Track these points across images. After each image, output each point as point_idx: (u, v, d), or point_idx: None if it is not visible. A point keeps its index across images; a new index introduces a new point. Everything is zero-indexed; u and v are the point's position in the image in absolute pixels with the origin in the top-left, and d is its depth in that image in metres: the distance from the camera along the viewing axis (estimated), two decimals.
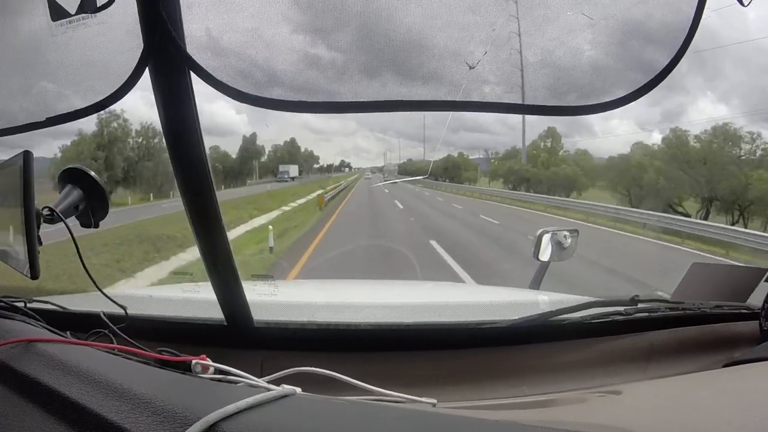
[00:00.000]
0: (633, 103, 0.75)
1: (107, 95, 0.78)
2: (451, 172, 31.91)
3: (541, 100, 0.77)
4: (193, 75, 0.75)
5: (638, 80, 0.74)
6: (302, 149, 34.87)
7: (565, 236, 1.87)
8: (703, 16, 0.71)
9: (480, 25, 0.74)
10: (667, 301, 1.25)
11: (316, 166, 36.33)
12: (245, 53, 0.77)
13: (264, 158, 33.21)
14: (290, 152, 34.50)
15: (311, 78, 0.77)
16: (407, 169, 33.64)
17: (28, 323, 0.87)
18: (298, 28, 0.76)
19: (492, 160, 31.32)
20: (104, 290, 0.94)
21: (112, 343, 0.86)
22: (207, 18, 0.76)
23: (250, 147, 32.47)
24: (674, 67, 0.73)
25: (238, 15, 0.76)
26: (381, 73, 0.76)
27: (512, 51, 0.76)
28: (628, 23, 0.76)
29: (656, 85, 0.74)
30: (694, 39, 0.71)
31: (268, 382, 0.77)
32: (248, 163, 32.39)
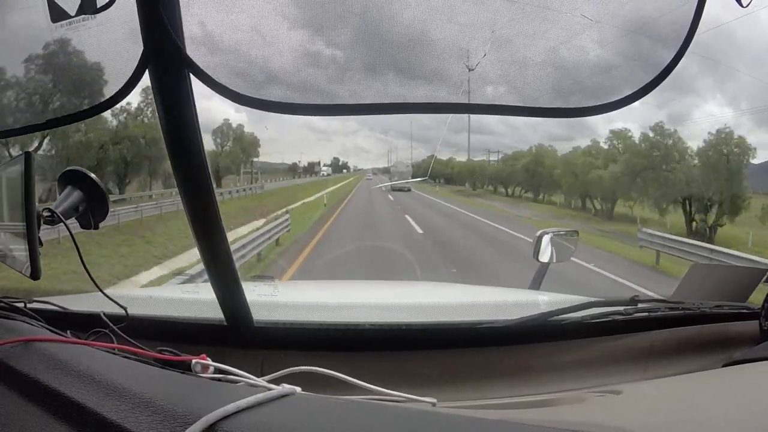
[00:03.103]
0: (637, 104, 0.75)
1: (108, 97, 0.78)
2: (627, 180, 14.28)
3: (545, 101, 0.77)
4: (192, 76, 0.75)
5: (642, 79, 0.74)
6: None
7: (564, 237, 1.88)
8: (713, 16, 0.71)
9: (482, 24, 0.74)
10: (666, 301, 1.25)
11: (257, 159, 20.89)
12: (245, 54, 0.77)
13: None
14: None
15: (311, 79, 0.77)
16: (436, 171, 21.79)
17: (29, 323, 0.87)
18: (299, 28, 0.76)
19: None
20: (104, 290, 0.94)
21: (113, 342, 0.86)
22: (206, 18, 0.75)
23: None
24: (676, 65, 0.72)
25: (238, 15, 0.76)
26: (381, 73, 0.76)
27: (515, 51, 0.76)
28: (631, 21, 0.76)
29: (659, 83, 0.73)
30: (698, 39, 0.71)
31: (268, 382, 0.77)
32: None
